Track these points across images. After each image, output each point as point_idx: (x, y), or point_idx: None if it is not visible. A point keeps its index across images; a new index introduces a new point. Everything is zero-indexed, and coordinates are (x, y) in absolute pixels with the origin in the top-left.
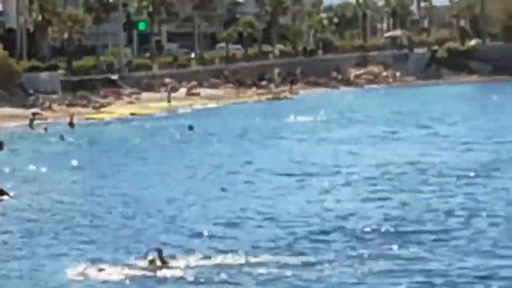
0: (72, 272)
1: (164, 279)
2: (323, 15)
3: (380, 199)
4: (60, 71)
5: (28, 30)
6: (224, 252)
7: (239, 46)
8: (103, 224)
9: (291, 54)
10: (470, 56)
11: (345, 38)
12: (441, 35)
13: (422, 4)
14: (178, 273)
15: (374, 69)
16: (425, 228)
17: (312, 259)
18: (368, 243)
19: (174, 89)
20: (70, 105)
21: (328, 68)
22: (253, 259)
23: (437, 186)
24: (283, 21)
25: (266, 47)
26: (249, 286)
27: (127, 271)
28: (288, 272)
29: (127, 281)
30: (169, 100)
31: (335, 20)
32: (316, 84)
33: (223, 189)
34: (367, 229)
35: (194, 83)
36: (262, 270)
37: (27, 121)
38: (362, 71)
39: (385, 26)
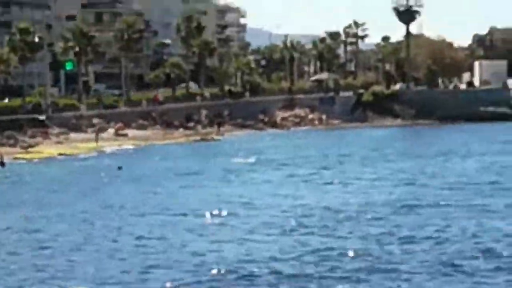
0: None
1: None
2: (251, 57)
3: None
4: None
5: None
6: None
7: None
8: None
9: (218, 96)
10: (394, 100)
11: (272, 80)
12: (367, 78)
13: (349, 47)
14: None
15: (301, 112)
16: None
17: None
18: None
19: (102, 130)
20: None
21: (255, 110)
22: None
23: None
24: (211, 63)
25: (193, 89)
26: None
27: None
28: None
29: None
30: (97, 141)
31: (263, 62)
32: (243, 126)
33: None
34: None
35: (121, 124)
36: None
37: None
38: (288, 113)
39: (312, 69)
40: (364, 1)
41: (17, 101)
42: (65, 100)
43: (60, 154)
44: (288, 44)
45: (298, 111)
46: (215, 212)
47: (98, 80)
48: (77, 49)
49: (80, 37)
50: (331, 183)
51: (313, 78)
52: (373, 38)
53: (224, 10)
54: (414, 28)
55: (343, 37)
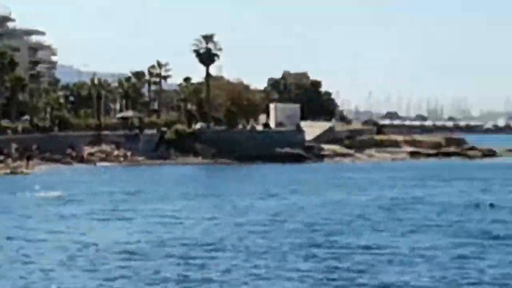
0: None
1: None
2: (60, 93)
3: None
4: None
5: None
6: None
7: None
8: None
9: (29, 130)
10: (196, 139)
11: (80, 116)
12: (170, 117)
13: (153, 87)
14: None
15: (107, 148)
16: None
17: None
18: None
19: None
20: None
21: (64, 145)
22: None
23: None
24: (22, 98)
25: (5, 122)
26: None
27: None
28: None
29: None
30: None
31: (71, 98)
32: (52, 160)
33: None
34: None
35: None
36: None
37: None
38: (95, 149)
39: (118, 106)
40: (167, 42)
41: None
42: None
43: None
44: (96, 81)
45: (104, 147)
46: None
47: None
48: None
49: None
50: (122, 219)
51: (119, 115)
52: (176, 79)
53: (35, 48)
54: (213, 70)
55: (147, 76)
